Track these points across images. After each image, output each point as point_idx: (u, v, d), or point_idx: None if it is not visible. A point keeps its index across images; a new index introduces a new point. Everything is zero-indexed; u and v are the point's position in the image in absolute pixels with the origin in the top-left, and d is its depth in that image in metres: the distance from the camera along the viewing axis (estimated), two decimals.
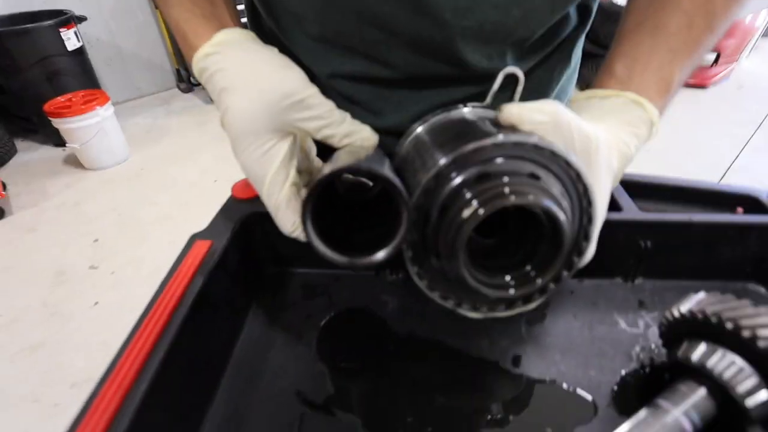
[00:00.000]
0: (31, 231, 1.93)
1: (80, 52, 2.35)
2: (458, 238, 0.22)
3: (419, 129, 0.36)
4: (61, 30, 2.18)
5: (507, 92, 0.37)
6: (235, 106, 0.32)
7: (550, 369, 0.35)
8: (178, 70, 3.08)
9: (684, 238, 0.38)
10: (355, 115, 0.35)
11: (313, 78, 0.36)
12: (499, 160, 0.23)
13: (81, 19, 2.31)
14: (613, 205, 0.40)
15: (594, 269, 0.41)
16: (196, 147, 2.48)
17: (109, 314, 1.55)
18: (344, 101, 0.43)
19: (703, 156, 2.33)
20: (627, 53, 0.35)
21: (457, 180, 0.23)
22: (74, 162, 2.32)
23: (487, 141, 0.23)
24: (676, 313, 0.31)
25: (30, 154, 2.48)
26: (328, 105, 0.33)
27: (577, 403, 0.33)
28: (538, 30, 0.40)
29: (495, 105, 0.34)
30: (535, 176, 0.22)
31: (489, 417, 0.32)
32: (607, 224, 0.38)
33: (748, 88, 3.14)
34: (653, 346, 0.36)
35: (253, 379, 0.35)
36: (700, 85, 3.09)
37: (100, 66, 2.62)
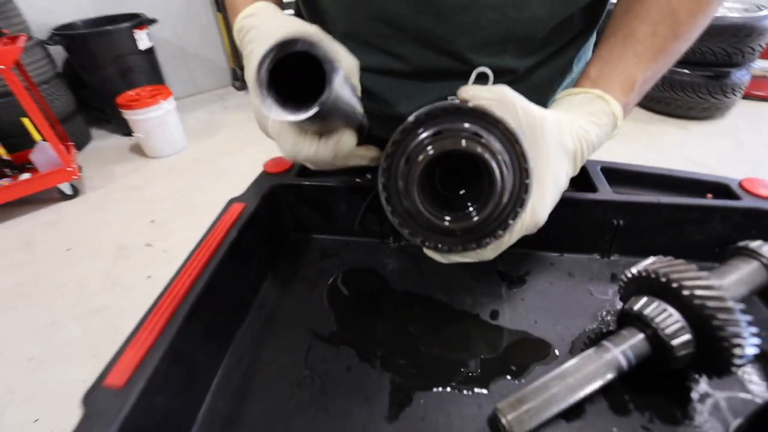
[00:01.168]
0: (98, 210, 2.16)
1: (150, 51, 2.59)
2: (414, 174, 0.29)
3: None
4: (134, 32, 2.43)
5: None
6: (254, 53, 0.40)
7: (522, 323, 0.40)
8: (234, 70, 3.30)
9: (653, 218, 0.42)
10: (372, 106, 0.42)
11: None
12: (451, 123, 0.30)
13: (152, 22, 2.55)
14: (590, 187, 0.44)
15: (573, 245, 0.46)
16: (248, 141, 2.65)
17: (160, 286, 1.71)
18: (364, 93, 0.50)
19: None
20: (600, 57, 0.40)
21: (418, 132, 0.30)
22: (139, 150, 2.56)
23: (438, 105, 0.30)
24: (630, 274, 0.36)
25: (102, 141, 2.76)
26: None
27: (541, 349, 0.38)
28: (539, 32, 0.45)
29: None
30: (478, 134, 0.28)
31: (466, 356, 0.38)
32: (584, 203, 0.43)
33: None
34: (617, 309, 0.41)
35: (273, 315, 0.43)
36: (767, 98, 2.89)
37: (166, 63, 2.86)
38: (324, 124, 0.31)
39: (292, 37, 0.25)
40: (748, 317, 0.30)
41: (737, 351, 0.30)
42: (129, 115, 2.28)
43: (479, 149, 0.28)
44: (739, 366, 0.31)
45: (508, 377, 0.36)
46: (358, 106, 0.36)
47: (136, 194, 2.26)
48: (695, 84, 2.50)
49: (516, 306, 0.42)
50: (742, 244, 0.36)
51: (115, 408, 0.27)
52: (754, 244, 0.35)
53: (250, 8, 0.43)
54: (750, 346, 0.30)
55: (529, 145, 0.31)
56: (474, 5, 0.41)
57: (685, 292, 0.32)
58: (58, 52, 2.47)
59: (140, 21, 2.47)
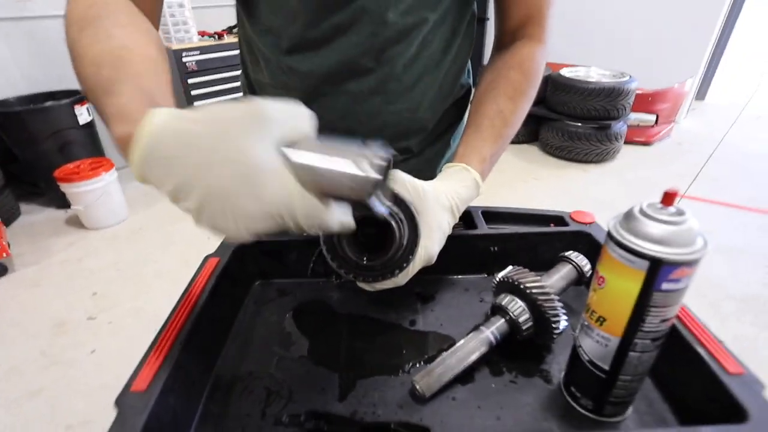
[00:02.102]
0: (33, 286, 2.08)
1: (90, 125, 2.64)
2: (343, 235, 0.45)
3: None
4: (75, 107, 2.48)
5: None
6: None
7: (433, 326, 0.56)
8: None
9: (516, 243, 0.61)
10: None
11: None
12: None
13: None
14: (472, 225, 0.63)
15: (467, 268, 0.64)
16: None
17: (107, 360, 1.68)
18: None
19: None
20: (463, 141, 0.59)
21: None
22: (76, 223, 2.51)
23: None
24: (497, 280, 0.53)
25: (34, 216, 2.67)
26: None
27: (445, 339, 0.53)
28: (428, 126, 0.66)
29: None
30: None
31: (394, 352, 0.52)
32: (469, 237, 0.61)
33: (687, 144, 3.55)
34: None
35: (247, 339, 0.55)
36: (646, 143, 3.50)
37: (105, 136, 2.89)
38: None
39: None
40: (561, 303, 0.48)
41: (556, 325, 0.48)
42: (68, 188, 2.28)
43: (385, 215, 0.44)
44: (559, 333, 0.48)
45: (423, 362, 0.51)
46: None
47: (75, 267, 2.20)
48: (587, 135, 3.02)
49: (428, 315, 0.58)
50: (561, 254, 0.55)
51: (142, 405, 0.38)
52: (568, 253, 0.55)
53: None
54: (563, 321, 0.48)
55: (418, 207, 0.48)
56: (381, 113, 0.60)
57: (526, 289, 0.49)
58: None
59: (81, 97, 2.53)
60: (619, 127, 3.09)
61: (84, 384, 1.57)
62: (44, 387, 1.57)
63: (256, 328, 0.57)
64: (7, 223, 2.52)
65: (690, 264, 0.33)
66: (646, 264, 0.34)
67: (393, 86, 0.60)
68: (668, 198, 0.34)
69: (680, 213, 0.34)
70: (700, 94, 4.54)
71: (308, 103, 0.61)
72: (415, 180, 0.50)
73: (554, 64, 3.33)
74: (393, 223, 0.45)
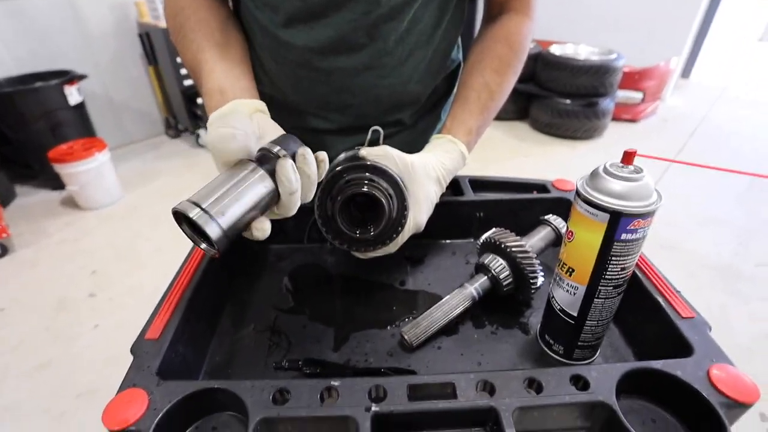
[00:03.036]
0: (33, 266, 2.11)
1: (80, 105, 2.62)
2: (336, 207, 0.48)
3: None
4: (65, 87, 2.46)
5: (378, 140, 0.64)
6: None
7: (421, 286, 0.60)
8: (166, 119, 3.36)
9: (501, 209, 0.65)
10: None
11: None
12: (356, 173, 0.49)
13: (82, 77, 2.60)
14: (459, 192, 0.66)
15: (454, 233, 0.67)
16: (185, 186, 2.70)
17: (110, 334, 1.73)
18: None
19: None
20: (450, 114, 0.62)
21: (336, 180, 0.49)
22: (71, 203, 2.53)
23: (347, 163, 0.50)
24: (481, 240, 0.57)
25: (29, 197, 2.67)
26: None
27: (433, 297, 0.58)
28: (420, 98, 0.69)
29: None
30: (372, 180, 0.48)
31: (385, 308, 0.57)
32: (456, 203, 0.65)
33: (672, 121, 3.59)
34: None
35: (246, 299, 0.59)
36: (632, 120, 3.53)
37: (96, 116, 2.87)
38: None
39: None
40: (539, 261, 0.52)
41: (534, 281, 0.52)
42: (62, 168, 2.28)
43: (373, 191, 0.48)
44: (536, 289, 0.53)
45: (412, 318, 0.55)
46: None
47: (73, 247, 2.23)
48: (575, 111, 3.06)
49: (417, 276, 0.62)
50: (541, 218, 0.59)
51: (155, 351, 0.42)
52: (548, 217, 0.59)
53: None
54: (540, 278, 0.52)
55: (406, 180, 0.52)
56: (374, 86, 0.63)
57: (507, 249, 0.53)
58: None
59: (71, 77, 2.51)
60: (607, 104, 3.11)
61: (89, 356, 1.63)
62: (52, 359, 1.62)
63: (255, 289, 0.61)
64: (4, 204, 2.52)
65: (645, 216, 0.37)
66: (606, 216, 0.38)
67: (385, 61, 0.62)
68: (628, 157, 0.38)
69: (638, 171, 0.38)
70: (686, 73, 4.56)
71: (303, 76, 0.64)
72: (403, 154, 0.53)
73: (543, 41, 3.32)
74: (382, 198, 0.48)
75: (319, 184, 0.48)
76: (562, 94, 3.09)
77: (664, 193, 0.38)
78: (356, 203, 0.53)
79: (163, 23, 2.76)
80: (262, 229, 0.42)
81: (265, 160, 0.43)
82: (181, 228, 0.41)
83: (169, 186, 2.77)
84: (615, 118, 3.42)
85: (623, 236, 0.38)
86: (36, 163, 2.58)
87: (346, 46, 0.60)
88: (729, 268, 2.00)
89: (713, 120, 3.60)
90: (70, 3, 2.76)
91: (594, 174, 0.40)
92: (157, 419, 0.35)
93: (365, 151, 0.52)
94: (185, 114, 3.14)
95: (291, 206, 0.43)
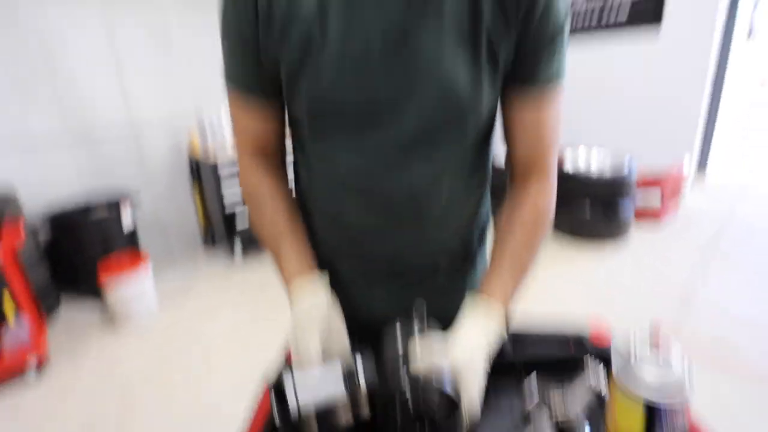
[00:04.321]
0: (65, 384, 2.13)
1: (132, 223, 2.88)
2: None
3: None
4: (121, 207, 2.73)
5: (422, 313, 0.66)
6: (303, 340, 0.62)
7: None
8: (206, 237, 3.61)
9: (542, 368, 0.70)
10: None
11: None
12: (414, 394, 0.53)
13: (137, 199, 2.89)
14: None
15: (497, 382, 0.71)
16: (218, 305, 2.80)
17: None
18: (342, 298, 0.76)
19: (666, 277, 2.70)
20: (487, 280, 0.68)
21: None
22: (110, 316, 2.62)
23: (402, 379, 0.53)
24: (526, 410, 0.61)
25: (72, 307, 2.80)
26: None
27: None
28: (455, 251, 0.79)
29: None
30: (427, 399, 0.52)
31: None
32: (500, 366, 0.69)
33: (695, 221, 3.66)
34: None
35: None
36: (654, 221, 3.61)
37: (143, 232, 3.12)
38: None
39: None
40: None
41: None
42: (107, 282, 2.43)
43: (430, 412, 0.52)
44: None
45: None
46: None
47: (106, 367, 2.26)
48: (594, 217, 3.27)
49: None
50: (583, 376, 0.64)
51: None
52: (589, 376, 0.63)
53: (301, 291, 0.65)
54: None
55: (457, 378, 0.55)
56: (413, 244, 0.74)
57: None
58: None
59: (127, 198, 2.80)
60: (626, 207, 3.27)
61: None
62: None
63: None
64: (48, 312, 2.62)
65: (677, 408, 0.42)
66: (641, 401, 0.43)
67: (424, 223, 0.74)
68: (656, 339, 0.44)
69: (668, 364, 0.44)
70: (701, 170, 4.72)
71: (354, 236, 0.76)
72: (456, 356, 0.57)
73: None
74: (440, 415, 0.52)
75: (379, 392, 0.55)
76: (579, 203, 3.28)
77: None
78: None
79: (209, 158, 3.14)
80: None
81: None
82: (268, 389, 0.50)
83: (202, 304, 2.86)
84: (637, 218, 3.54)
85: (661, 419, 0.43)
86: (83, 273, 2.75)
87: (392, 223, 0.72)
88: None
89: (737, 217, 3.65)
90: (136, 135, 3.19)
91: (626, 362, 0.46)
92: None
93: (419, 366, 0.56)
94: (224, 234, 3.37)
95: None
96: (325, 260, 0.77)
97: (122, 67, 3.04)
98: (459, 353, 0.59)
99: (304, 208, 0.80)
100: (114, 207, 2.73)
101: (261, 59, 0.63)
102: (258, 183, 0.74)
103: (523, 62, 0.62)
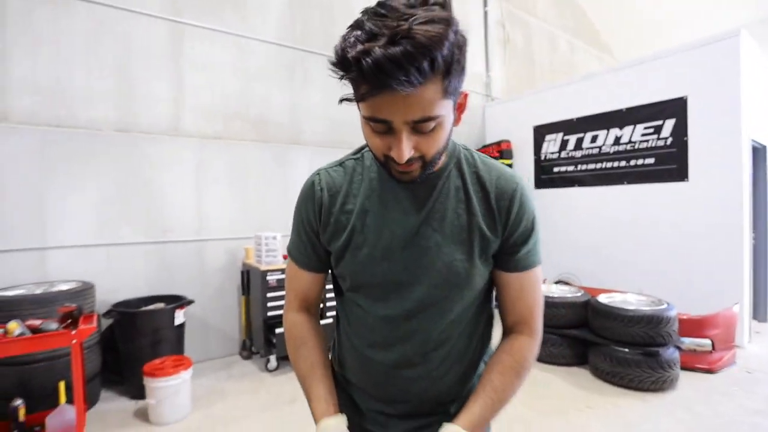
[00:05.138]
0: None
1: (181, 325, 3.12)
2: None
3: None
4: (176, 311, 3.01)
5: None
6: None
7: None
8: (244, 341, 3.77)
9: None
10: None
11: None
12: None
13: (190, 303, 3.18)
14: None
15: None
16: (247, 412, 2.83)
17: None
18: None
19: None
20: (468, 411, 0.81)
21: None
22: (143, 415, 2.70)
23: None
24: None
25: (109, 403, 2.91)
26: None
27: None
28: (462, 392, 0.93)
29: None
30: None
31: None
32: None
33: (758, 372, 3.32)
34: None
35: None
36: (709, 370, 3.30)
37: (188, 333, 3.35)
38: None
39: None
40: None
41: None
42: (150, 382, 2.57)
43: None
44: None
45: None
46: None
47: None
48: (636, 361, 3.00)
49: None
50: None
51: None
52: None
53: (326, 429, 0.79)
54: None
55: None
56: (425, 389, 0.89)
57: None
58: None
59: (182, 302, 3.09)
60: (670, 353, 3.03)
61: None
62: None
63: None
64: (89, 405, 2.75)
65: None
66: None
67: (434, 374, 0.90)
68: None
69: None
70: (760, 316, 4.40)
71: (381, 381, 0.92)
72: None
73: (592, 288, 3.55)
74: None
75: None
76: (618, 342, 3.10)
77: None
78: None
79: (260, 266, 3.48)
80: None
81: None
82: None
83: (233, 409, 2.90)
84: (688, 368, 3.28)
85: None
86: (128, 371, 2.93)
87: (407, 363, 0.89)
88: None
89: None
90: (199, 247, 3.64)
91: None
92: None
93: None
94: (262, 340, 3.52)
95: None
96: (350, 398, 0.97)
97: (201, 193, 3.67)
98: None
99: (340, 344, 1.00)
100: (169, 309, 3.01)
101: (317, 246, 0.90)
102: (300, 326, 0.94)
103: (507, 257, 0.85)
